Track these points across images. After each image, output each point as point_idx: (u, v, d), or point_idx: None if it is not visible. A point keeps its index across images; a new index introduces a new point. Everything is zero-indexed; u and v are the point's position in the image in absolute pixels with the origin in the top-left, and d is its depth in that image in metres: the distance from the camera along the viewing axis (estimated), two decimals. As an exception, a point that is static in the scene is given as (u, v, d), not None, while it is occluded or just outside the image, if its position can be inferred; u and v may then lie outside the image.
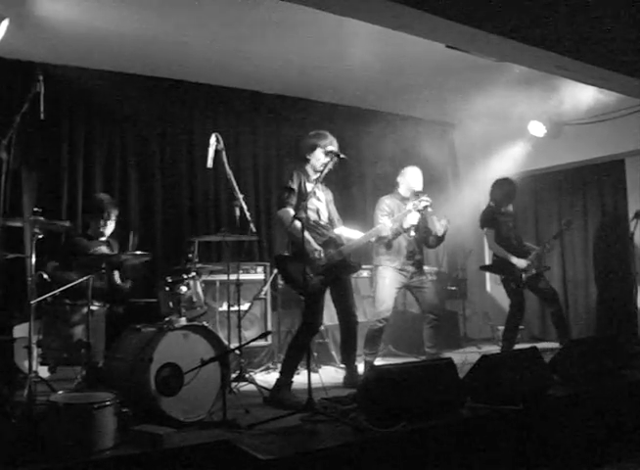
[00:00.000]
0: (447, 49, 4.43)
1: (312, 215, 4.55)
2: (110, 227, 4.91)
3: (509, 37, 3.69)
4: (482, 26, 3.57)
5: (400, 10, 3.29)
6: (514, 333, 6.00)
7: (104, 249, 4.83)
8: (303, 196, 4.44)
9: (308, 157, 4.63)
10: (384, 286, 5.17)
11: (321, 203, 4.69)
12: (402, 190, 5.36)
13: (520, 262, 5.85)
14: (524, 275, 5.86)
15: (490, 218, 6.05)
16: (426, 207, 4.98)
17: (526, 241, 6.35)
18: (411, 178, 5.33)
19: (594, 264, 7.47)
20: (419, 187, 5.28)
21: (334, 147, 4.54)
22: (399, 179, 5.41)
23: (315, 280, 4.30)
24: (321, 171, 4.48)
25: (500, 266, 6.00)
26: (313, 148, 4.59)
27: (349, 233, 4.77)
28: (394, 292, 5.20)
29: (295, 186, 4.50)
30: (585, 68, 4.13)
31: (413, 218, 5.05)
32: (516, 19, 3.68)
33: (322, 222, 4.64)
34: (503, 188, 6.09)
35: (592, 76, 4.39)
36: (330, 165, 4.49)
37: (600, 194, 7.46)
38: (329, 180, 4.77)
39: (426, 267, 5.46)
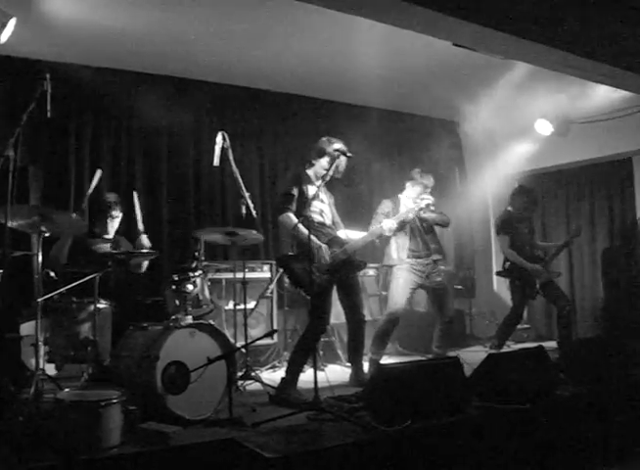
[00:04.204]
0: (454, 47, 4.42)
1: (316, 217, 4.55)
2: (114, 225, 4.93)
3: (516, 35, 3.67)
4: (490, 24, 3.55)
5: (407, 8, 3.28)
6: (505, 337, 6.06)
7: (108, 247, 4.84)
8: (305, 198, 4.44)
9: (314, 161, 4.64)
10: (397, 286, 5.12)
11: (324, 205, 4.69)
12: (407, 195, 5.26)
13: (534, 268, 5.84)
14: (538, 281, 5.85)
15: (507, 225, 6.05)
16: (428, 205, 4.96)
17: (536, 240, 6.35)
18: (421, 190, 5.20)
19: (601, 263, 7.44)
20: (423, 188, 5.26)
21: (340, 145, 4.55)
22: (410, 184, 5.30)
23: (320, 279, 4.30)
24: (327, 170, 4.50)
25: (514, 272, 6.00)
26: (321, 154, 4.59)
27: (353, 234, 4.77)
28: (408, 293, 5.14)
29: (294, 191, 4.50)
30: (594, 65, 4.10)
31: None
32: (523, 16, 3.66)
33: (326, 223, 4.64)
34: (524, 198, 6.08)
35: (601, 74, 4.36)
36: (337, 163, 4.51)
37: (607, 193, 7.43)
38: (332, 181, 4.77)
39: (441, 267, 5.42)
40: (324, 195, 4.72)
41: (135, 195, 4.91)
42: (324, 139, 4.65)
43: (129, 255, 4.58)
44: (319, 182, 4.53)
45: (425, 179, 5.26)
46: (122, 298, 4.52)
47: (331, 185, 4.86)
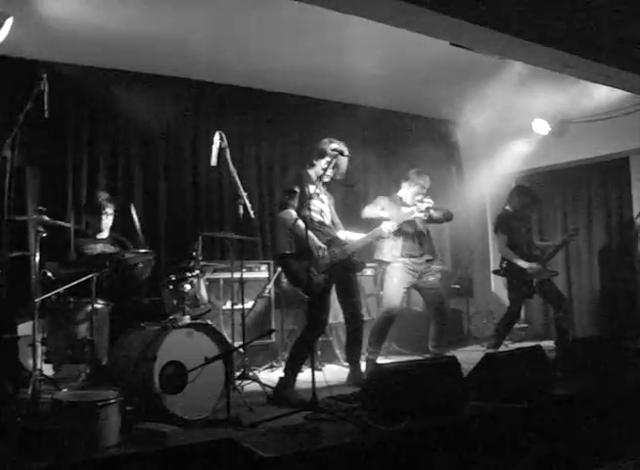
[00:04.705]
0: (451, 46, 4.42)
1: (316, 216, 4.56)
2: (108, 223, 4.92)
3: (513, 35, 3.67)
4: (487, 24, 3.55)
5: (404, 7, 3.28)
6: (503, 337, 6.06)
7: (101, 246, 4.83)
8: (305, 197, 4.44)
9: (315, 162, 4.65)
10: (392, 285, 5.14)
11: (324, 205, 4.69)
12: (404, 194, 5.30)
13: (531, 267, 5.85)
14: (534, 280, 5.86)
15: (505, 224, 6.06)
16: (428, 208, 4.97)
17: (533, 239, 6.36)
18: (418, 190, 5.24)
19: (598, 263, 7.46)
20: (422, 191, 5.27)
21: (337, 145, 4.56)
22: (406, 184, 5.32)
23: (319, 279, 4.30)
24: (324, 170, 4.51)
25: (511, 271, 6.01)
26: (321, 155, 4.60)
27: (352, 236, 4.77)
28: (402, 291, 5.17)
29: (296, 188, 4.50)
30: (592, 65, 4.10)
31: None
32: (520, 16, 3.66)
33: (326, 222, 4.65)
34: (523, 198, 6.09)
35: (598, 74, 4.36)
36: (335, 163, 4.52)
37: (604, 192, 7.45)
38: (332, 182, 4.79)
39: (434, 266, 5.44)
40: (324, 195, 4.73)
41: (132, 208, 4.85)
42: (325, 140, 4.67)
43: (123, 253, 4.58)
44: (318, 182, 4.55)
45: (421, 179, 5.26)
46: (119, 298, 4.52)
47: (330, 186, 4.87)
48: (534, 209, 6.38)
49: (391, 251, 5.17)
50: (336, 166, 4.59)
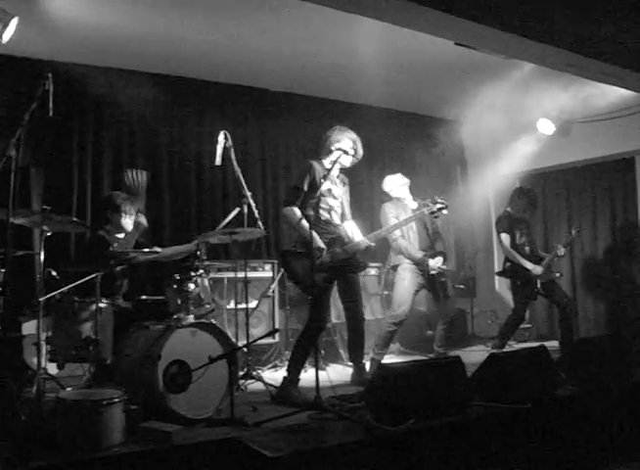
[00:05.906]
0: (456, 46, 4.42)
1: (324, 215, 4.52)
2: (127, 223, 4.90)
3: (518, 34, 3.67)
4: (491, 23, 3.55)
5: (409, 7, 3.28)
6: (507, 337, 6.05)
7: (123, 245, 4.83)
8: (315, 193, 4.36)
9: (325, 156, 4.63)
10: (402, 287, 5.14)
11: (336, 200, 4.63)
12: (395, 193, 5.37)
13: (535, 269, 5.85)
14: (539, 282, 5.85)
15: (506, 225, 6.07)
16: (440, 209, 4.95)
17: (536, 241, 6.35)
18: (393, 182, 5.38)
19: (602, 264, 7.43)
20: (405, 180, 5.35)
21: (343, 144, 4.54)
22: (386, 189, 5.44)
23: (318, 278, 4.28)
24: (329, 169, 4.49)
25: (515, 272, 6.00)
26: (334, 143, 4.58)
27: (355, 231, 4.72)
28: (413, 294, 5.17)
29: (304, 185, 4.45)
30: (595, 65, 4.10)
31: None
32: (524, 15, 3.66)
33: (333, 221, 4.60)
34: (524, 199, 6.10)
35: (602, 73, 4.36)
36: (339, 162, 4.50)
37: (609, 193, 7.42)
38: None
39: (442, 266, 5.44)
40: (337, 188, 4.65)
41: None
42: (335, 129, 4.62)
43: (127, 252, 4.57)
44: (333, 171, 4.48)
45: (396, 178, 5.41)
46: (129, 296, 4.53)
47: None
48: (534, 210, 6.39)
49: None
50: (354, 152, 4.59)
